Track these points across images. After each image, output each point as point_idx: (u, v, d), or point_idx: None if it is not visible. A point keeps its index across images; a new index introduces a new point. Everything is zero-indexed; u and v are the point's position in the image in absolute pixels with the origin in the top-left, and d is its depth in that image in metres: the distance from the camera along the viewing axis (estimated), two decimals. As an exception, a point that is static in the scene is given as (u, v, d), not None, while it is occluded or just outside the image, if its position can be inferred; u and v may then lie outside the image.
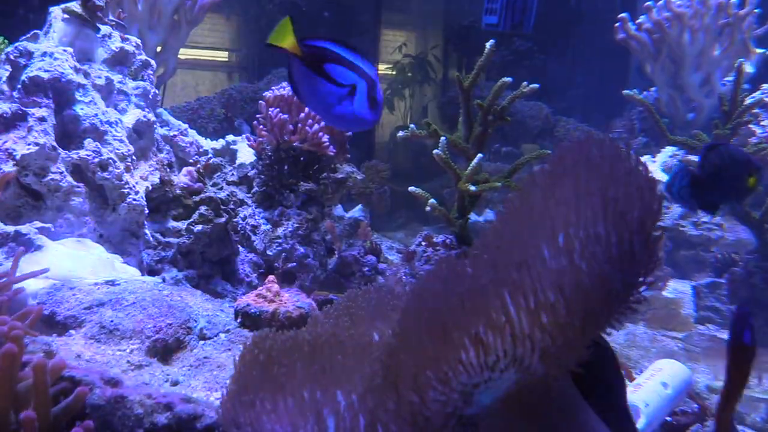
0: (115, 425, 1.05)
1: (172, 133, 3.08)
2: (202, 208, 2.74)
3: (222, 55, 7.58)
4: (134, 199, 2.01)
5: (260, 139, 3.21)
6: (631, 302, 0.92)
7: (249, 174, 3.43)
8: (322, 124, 3.05)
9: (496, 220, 1.05)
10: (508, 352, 0.81)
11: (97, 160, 1.95)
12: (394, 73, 7.47)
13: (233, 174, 3.49)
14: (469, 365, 0.80)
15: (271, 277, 1.62)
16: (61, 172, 1.91)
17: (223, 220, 2.80)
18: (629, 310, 0.93)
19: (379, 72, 3.44)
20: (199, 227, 2.70)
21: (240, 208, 3.20)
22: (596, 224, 0.89)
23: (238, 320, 1.50)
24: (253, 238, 3.13)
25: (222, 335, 1.46)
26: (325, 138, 3.03)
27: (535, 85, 2.63)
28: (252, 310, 1.48)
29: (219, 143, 3.67)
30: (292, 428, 0.92)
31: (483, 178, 2.74)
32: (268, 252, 3.06)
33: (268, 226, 3.13)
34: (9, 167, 1.83)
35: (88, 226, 1.91)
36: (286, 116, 3.04)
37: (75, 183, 1.93)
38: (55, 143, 1.89)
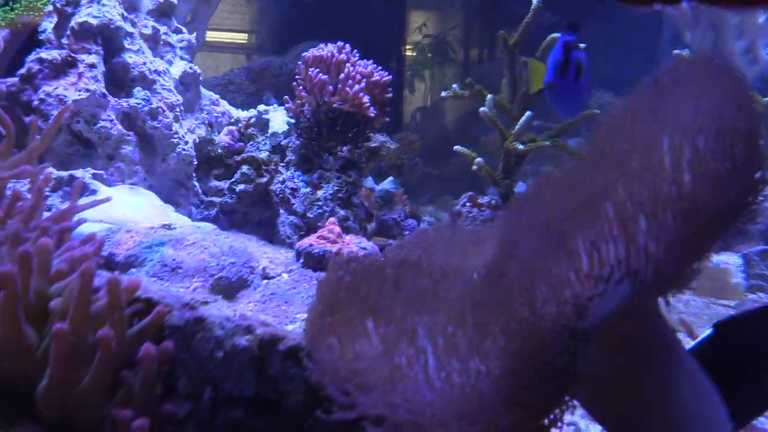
0: (194, 347, 1.03)
1: (204, 102, 3.06)
2: (244, 168, 2.71)
3: (241, 37, 7.52)
4: (183, 149, 1.99)
5: (298, 101, 3.17)
6: (739, 223, 0.87)
7: (282, 143, 3.40)
8: (363, 84, 3.01)
9: (589, 139, 1.00)
10: (622, 264, 0.76)
11: (147, 108, 1.92)
12: (414, 54, 7.38)
13: (266, 143, 3.45)
14: (584, 276, 0.76)
15: (332, 219, 1.59)
16: (112, 120, 1.88)
17: (264, 179, 2.78)
18: (736, 232, 0.88)
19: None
20: (241, 186, 2.67)
21: (276, 174, 3.18)
22: (708, 137, 0.84)
23: (300, 261, 1.47)
24: (293, 201, 3.10)
25: (285, 275, 1.43)
26: (366, 99, 2.99)
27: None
28: (315, 251, 1.45)
29: (250, 113, 3.63)
30: (384, 349, 0.88)
31: (529, 138, 2.68)
32: (309, 215, 3.03)
33: (308, 189, 3.11)
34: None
35: (138, 175, 1.89)
36: (326, 77, 2.99)
37: (125, 131, 1.91)
38: (105, 90, 1.87)
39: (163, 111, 1.97)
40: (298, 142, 3.16)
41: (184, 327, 1.03)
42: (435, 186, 5.96)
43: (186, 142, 2.01)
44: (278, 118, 3.55)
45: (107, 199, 1.37)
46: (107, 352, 0.90)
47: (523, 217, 0.79)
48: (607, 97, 6.08)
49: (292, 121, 3.39)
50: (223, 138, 2.75)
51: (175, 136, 1.98)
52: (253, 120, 2.95)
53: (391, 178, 4.72)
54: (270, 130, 3.53)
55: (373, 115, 3.01)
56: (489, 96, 2.59)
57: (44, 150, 1.40)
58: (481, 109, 2.54)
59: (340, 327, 0.90)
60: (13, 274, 0.91)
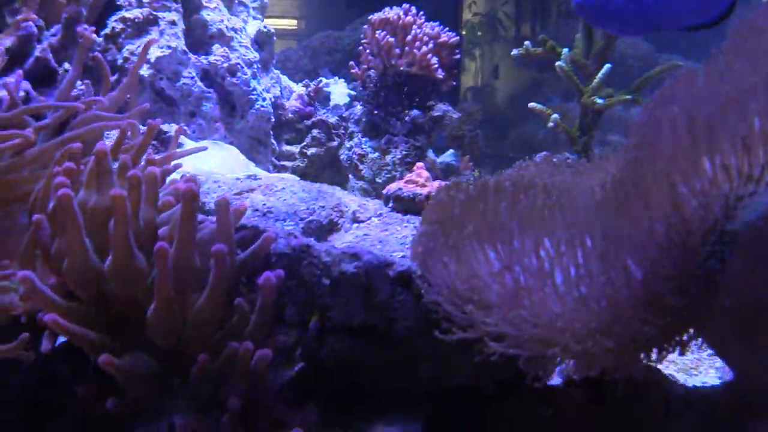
0: (301, 274, 1.01)
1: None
2: (315, 131, 2.71)
3: (291, 24, 7.51)
4: (262, 106, 1.99)
5: (364, 66, 3.14)
6: None
7: (344, 115, 3.37)
8: (431, 45, 2.96)
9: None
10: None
11: (226, 65, 1.93)
12: (464, 32, 7.21)
13: (328, 116, 3.44)
14: (734, 174, 0.70)
15: (420, 164, 1.56)
16: (192, 77, 1.90)
17: (335, 143, 2.77)
18: None
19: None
20: (312, 150, 2.67)
21: (345, 139, 3.16)
22: None
23: (390, 205, 1.45)
24: (361, 166, 3.09)
25: (375, 219, 1.41)
26: (434, 60, 2.93)
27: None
28: (405, 194, 1.42)
29: (300, 92, 3.59)
30: (504, 266, 0.85)
31: (607, 93, 2.58)
32: (377, 180, 3.01)
33: (376, 155, 3.08)
34: (145, 71, 1.83)
35: (219, 132, 1.90)
36: (392, 39, 2.95)
37: (206, 88, 1.92)
38: (185, 48, 1.88)
39: (242, 68, 1.97)
40: (362, 110, 3.13)
41: (290, 254, 1.02)
42: (492, 164, 5.87)
43: (264, 99, 2.02)
44: (338, 91, 3.53)
45: (204, 148, 1.38)
46: (223, 270, 0.90)
47: (662, 114, 0.74)
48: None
49: (353, 93, 3.37)
50: (293, 103, 2.75)
51: (254, 92, 1.98)
52: (322, 85, 2.94)
53: (451, 150, 4.66)
54: (331, 103, 3.51)
55: (441, 76, 2.96)
56: (565, 50, 2.50)
57: (133, 95, 1.41)
58: (558, 63, 2.45)
59: (456, 245, 0.87)
60: (123, 196, 0.91)
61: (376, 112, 3.17)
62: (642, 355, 0.79)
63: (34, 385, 1.28)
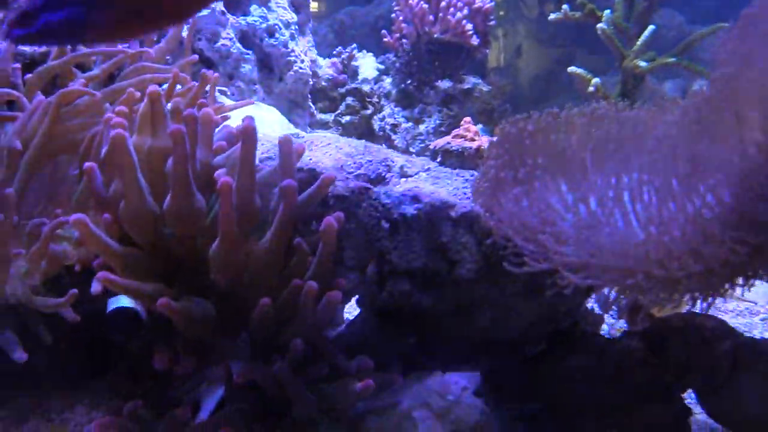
0: (360, 217, 0.99)
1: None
2: (349, 99, 2.68)
3: (313, 6, 7.42)
4: (300, 68, 1.96)
5: (397, 34, 3.09)
6: None
7: (372, 89, 3.33)
8: (465, 11, 2.90)
9: None
10: None
11: (264, 25, 1.90)
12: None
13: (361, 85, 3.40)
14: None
15: (467, 119, 1.53)
16: (231, 38, 1.88)
17: (369, 111, 2.74)
18: None
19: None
20: (347, 118, 2.65)
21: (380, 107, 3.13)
22: None
23: (438, 160, 1.42)
24: (394, 136, 3.05)
25: (423, 174, 1.37)
26: (469, 26, 2.88)
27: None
28: (454, 148, 1.39)
29: (333, 60, 3.56)
30: (579, 197, 0.82)
31: (650, 56, 2.51)
32: (411, 149, 2.98)
33: (409, 124, 3.05)
34: (184, 32, 1.81)
35: (257, 95, 1.88)
36: (426, 5, 2.90)
37: (244, 50, 1.90)
38: (224, 8, 1.85)
39: (280, 29, 1.95)
40: (393, 82, 3.09)
41: (349, 196, 1.00)
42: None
43: (302, 61, 1.99)
44: (367, 65, 3.48)
45: (251, 102, 1.37)
46: (291, 206, 0.87)
47: (755, 29, 0.70)
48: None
49: (381, 67, 3.32)
50: (326, 70, 2.72)
51: (292, 54, 1.96)
52: (355, 50, 2.91)
53: (480, 125, 4.60)
54: (360, 77, 3.47)
55: (476, 43, 2.90)
56: (606, 11, 2.44)
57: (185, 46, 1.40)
58: (600, 25, 2.39)
59: (527, 178, 0.84)
60: (182, 132, 0.89)
61: (409, 81, 3.12)
62: (727, 285, 0.75)
63: (89, 337, 1.28)
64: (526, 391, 1.11)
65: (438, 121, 3.04)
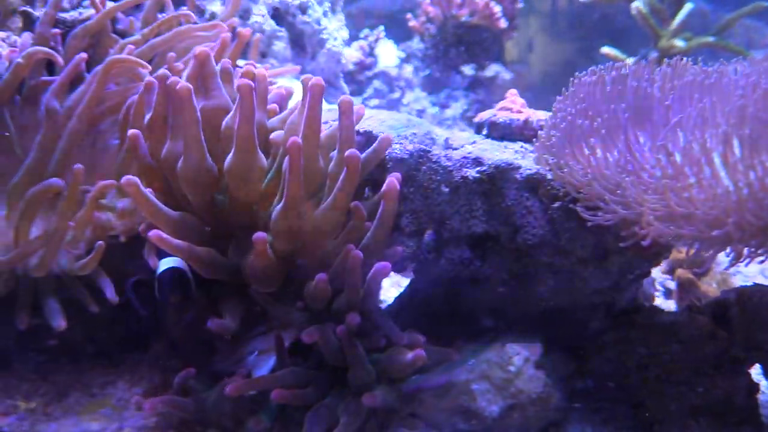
0: (419, 180, 0.95)
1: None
2: (376, 83, 2.65)
3: None
4: (333, 46, 1.93)
5: (422, 18, 3.05)
6: None
7: (392, 76, 3.29)
8: (493, -6, 2.85)
9: None
10: None
11: (297, 2, 1.86)
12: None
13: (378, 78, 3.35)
14: None
15: (513, 90, 1.49)
16: (263, 15, 1.84)
17: (396, 95, 2.70)
18: None
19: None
20: (374, 102, 2.61)
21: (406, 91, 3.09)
22: None
23: (483, 133, 1.37)
24: (420, 121, 3.01)
25: (468, 146, 1.33)
26: (498, 8, 2.83)
27: None
28: (500, 120, 1.34)
29: (360, 43, 3.49)
30: (664, 144, 0.78)
31: (686, 36, 2.46)
32: (437, 134, 2.93)
33: (435, 110, 3.01)
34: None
35: (289, 73, 1.84)
36: (454, -13, 2.86)
37: (277, 27, 1.86)
38: (256, -16, 1.82)
39: (312, 5, 1.91)
40: (416, 69, 3.05)
41: (407, 159, 0.96)
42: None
43: (335, 38, 1.95)
44: (389, 52, 3.42)
45: (296, 68, 1.33)
46: (355, 170, 0.84)
47: None
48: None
49: (403, 54, 3.27)
50: (354, 53, 2.68)
51: (325, 31, 1.92)
52: (383, 33, 2.87)
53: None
54: (380, 65, 3.41)
55: (504, 26, 2.85)
56: (641, -10, 2.38)
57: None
58: (635, 4, 2.33)
59: (604, 127, 0.80)
60: (250, 86, 0.85)
61: (435, 66, 3.08)
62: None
63: (130, 310, 1.25)
64: (589, 365, 1.07)
65: (465, 107, 3.00)
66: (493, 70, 3.31)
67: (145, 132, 1.03)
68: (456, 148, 1.40)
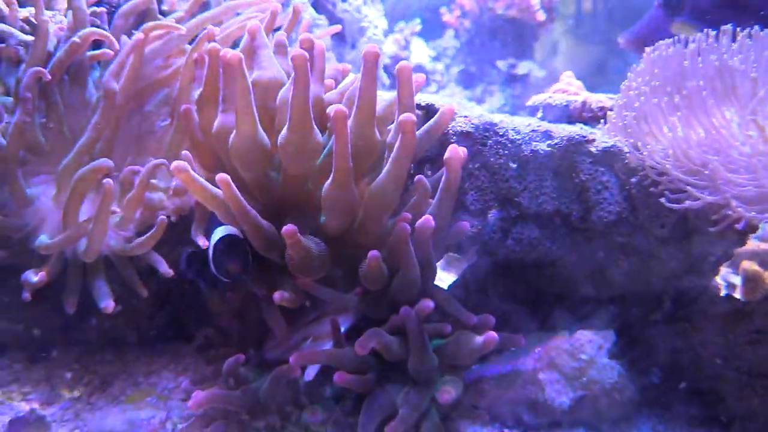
0: (485, 156, 0.90)
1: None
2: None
3: None
4: (374, 34, 1.88)
5: (457, 12, 3.00)
6: None
7: (427, 70, 3.24)
8: (531, -14, 2.79)
9: None
10: None
11: (337, -10, 1.82)
12: None
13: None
14: None
15: (568, 72, 1.43)
16: (303, 2, 1.80)
17: (433, 90, 2.65)
18: None
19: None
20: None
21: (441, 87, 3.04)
22: None
23: (538, 116, 1.32)
24: (455, 117, 2.96)
25: (534, 123, 1.28)
26: (535, 0, 2.77)
27: None
28: (556, 102, 1.28)
29: (396, 36, 3.47)
30: (753, 119, 0.71)
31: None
32: (473, 129, 2.88)
33: (471, 104, 2.95)
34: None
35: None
36: (490, -20, 2.80)
37: (317, 15, 1.82)
38: (297, -28, 1.78)
39: (352, -7, 1.87)
40: (455, 59, 3.00)
41: (473, 133, 0.91)
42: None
43: (375, 26, 1.91)
44: (420, 48, 3.38)
45: (337, 27, 1.29)
46: (410, 135, 0.78)
47: None
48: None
49: (433, 53, 3.22)
50: (389, 47, 2.64)
51: (365, 19, 1.88)
52: (419, 26, 2.82)
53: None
54: (413, 62, 3.37)
55: (542, 18, 2.79)
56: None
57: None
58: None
59: (685, 102, 0.74)
60: (305, 56, 0.81)
61: (470, 60, 3.03)
62: None
63: (176, 297, 1.22)
64: (659, 355, 1.00)
65: (502, 101, 2.94)
66: (525, 67, 3.25)
67: (195, 108, 0.99)
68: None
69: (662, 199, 0.74)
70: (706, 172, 0.71)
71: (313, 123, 0.84)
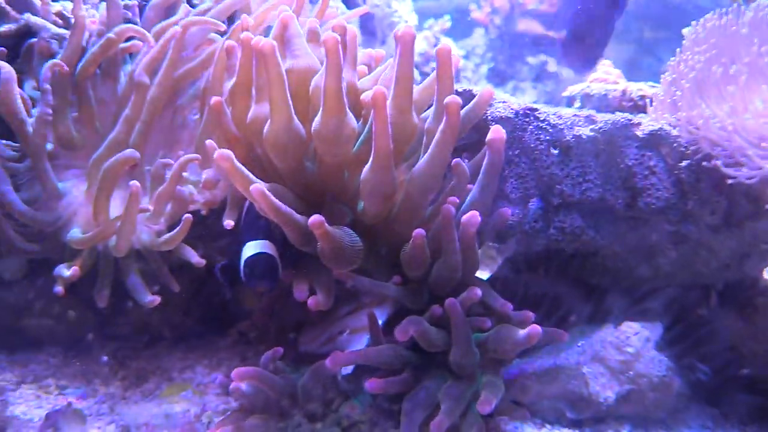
0: (525, 141, 0.87)
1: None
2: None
3: None
4: (404, 29, 1.86)
5: (487, 9, 2.97)
6: None
7: (458, 67, 3.20)
8: (563, -20, 2.74)
9: None
10: None
11: (367, -17, 1.81)
12: None
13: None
14: None
15: (607, 61, 1.40)
16: (333, -1, 1.79)
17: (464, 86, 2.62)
18: None
19: None
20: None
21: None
22: None
23: (575, 106, 1.28)
24: (485, 114, 2.92)
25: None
26: (568, -5, 2.72)
27: None
28: (595, 92, 1.25)
29: (425, 33, 3.44)
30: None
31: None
32: (504, 126, 2.84)
33: (507, 96, 2.92)
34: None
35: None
36: (521, -25, 2.76)
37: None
38: (326, -32, 1.76)
39: (383, -12, 1.85)
40: (485, 55, 2.96)
41: (512, 118, 0.88)
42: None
43: (406, 21, 1.89)
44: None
45: (365, 8, 1.28)
46: (455, 117, 0.76)
47: None
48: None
49: (462, 52, 3.19)
50: (419, 44, 2.61)
51: (396, 14, 1.86)
52: (449, 23, 2.79)
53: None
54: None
55: (574, 13, 2.73)
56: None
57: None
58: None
59: (743, 73, 0.71)
60: (336, 40, 0.79)
61: (500, 57, 2.99)
62: None
63: (210, 293, 1.21)
64: (707, 349, 0.96)
65: (533, 98, 2.90)
66: (556, 65, 3.20)
67: (227, 100, 0.98)
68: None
69: (719, 163, 0.70)
70: (764, 144, 0.67)
71: (347, 108, 0.82)
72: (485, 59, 3.07)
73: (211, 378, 1.13)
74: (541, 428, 0.92)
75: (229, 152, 0.84)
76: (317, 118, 0.82)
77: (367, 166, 0.81)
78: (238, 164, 0.85)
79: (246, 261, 0.91)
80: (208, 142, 0.93)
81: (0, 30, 1.16)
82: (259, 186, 0.81)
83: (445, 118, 0.76)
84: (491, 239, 0.90)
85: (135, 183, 0.95)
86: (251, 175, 0.86)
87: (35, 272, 1.16)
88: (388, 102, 0.82)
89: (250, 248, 0.92)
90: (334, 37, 0.79)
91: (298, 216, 0.84)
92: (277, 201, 0.82)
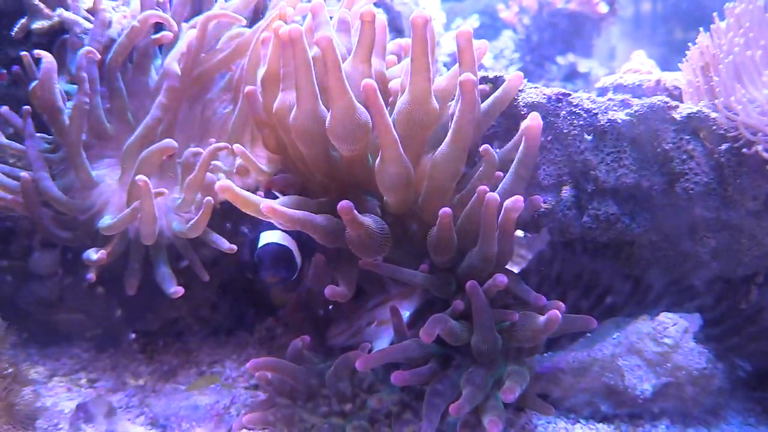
0: (558, 127, 0.85)
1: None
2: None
3: None
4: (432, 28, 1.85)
5: (515, 8, 2.94)
6: None
7: (486, 67, 3.18)
8: (592, -22, 2.71)
9: None
10: None
11: (395, -18, 1.80)
12: None
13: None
14: None
15: (640, 51, 1.37)
16: (360, -3, 1.79)
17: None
18: None
19: None
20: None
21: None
22: None
23: (607, 98, 1.26)
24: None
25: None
26: (597, -7, 2.68)
27: None
28: (628, 83, 1.22)
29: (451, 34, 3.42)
30: None
31: None
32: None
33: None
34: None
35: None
36: (549, -27, 2.74)
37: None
38: (353, -35, 1.76)
39: (410, -14, 1.84)
40: (515, 55, 2.93)
41: (545, 104, 0.86)
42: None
43: (434, 19, 1.87)
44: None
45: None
46: (470, 99, 0.74)
47: None
48: None
49: (490, 55, 3.16)
50: (447, 45, 2.60)
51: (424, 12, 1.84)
52: (478, 22, 2.78)
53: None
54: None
55: (604, 11, 2.70)
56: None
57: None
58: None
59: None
60: (330, 39, 0.78)
61: (529, 57, 2.96)
62: None
63: (237, 287, 1.21)
64: (748, 344, 0.93)
65: (562, 96, 2.85)
66: (586, 65, 3.16)
67: (260, 89, 0.98)
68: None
69: (760, 148, 0.68)
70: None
71: (354, 101, 0.80)
72: (513, 60, 3.04)
73: (240, 372, 1.13)
74: (574, 423, 0.90)
75: (228, 182, 0.84)
76: (328, 115, 0.81)
77: (378, 160, 0.80)
78: (241, 191, 0.84)
79: (258, 252, 0.91)
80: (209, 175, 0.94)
81: (34, 27, 1.18)
82: (268, 203, 0.81)
83: (459, 98, 0.75)
84: (519, 228, 0.88)
85: (143, 178, 0.95)
86: (255, 197, 0.85)
87: (67, 268, 1.18)
88: (406, 89, 0.80)
89: (264, 239, 0.93)
90: (327, 37, 0.78)
91: (317, 217, 0.83)
92: (289, 210, 0.81)
